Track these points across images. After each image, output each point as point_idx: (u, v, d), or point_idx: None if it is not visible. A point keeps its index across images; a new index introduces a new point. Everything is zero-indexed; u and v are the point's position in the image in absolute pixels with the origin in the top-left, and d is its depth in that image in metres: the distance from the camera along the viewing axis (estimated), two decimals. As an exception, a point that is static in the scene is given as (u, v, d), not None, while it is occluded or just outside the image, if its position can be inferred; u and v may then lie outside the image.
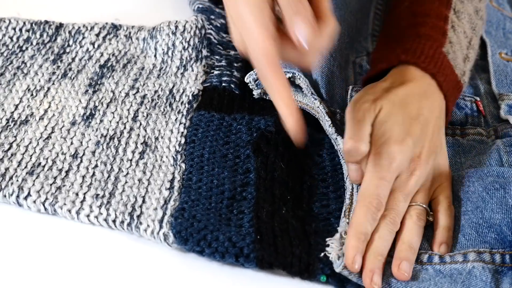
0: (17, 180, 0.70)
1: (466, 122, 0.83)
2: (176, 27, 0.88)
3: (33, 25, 0.90)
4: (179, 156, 0.74)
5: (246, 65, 0.86)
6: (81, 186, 0.70)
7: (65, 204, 0.68)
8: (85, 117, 0.78)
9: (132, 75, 0.85)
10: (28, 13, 0.92)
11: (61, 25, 0.91)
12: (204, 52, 0.88)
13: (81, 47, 0.88)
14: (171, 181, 0.71)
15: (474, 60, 0.85)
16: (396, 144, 0.69)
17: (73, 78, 0.83)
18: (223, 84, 0.84)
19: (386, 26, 0.89)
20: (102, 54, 0.88)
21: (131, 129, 0.77)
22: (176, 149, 0.75)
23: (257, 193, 0.69)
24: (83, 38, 0.89)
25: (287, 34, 0.62)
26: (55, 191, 0.69)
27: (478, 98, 0.86)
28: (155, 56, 0.88)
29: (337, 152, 0.74)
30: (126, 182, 0.71)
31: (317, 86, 0.82)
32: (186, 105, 0.81)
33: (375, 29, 0.96)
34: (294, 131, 0.60)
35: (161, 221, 0.67)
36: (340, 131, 0.74)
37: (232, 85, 0.84)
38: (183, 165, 0.73)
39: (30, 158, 0.73)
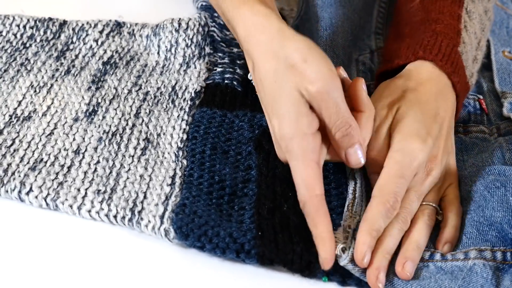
0: (19, 176, 0.70)
1: (469, 120, 0.83)
2: (179, 24, 0.88)
3: (37, 22, 0.90)
4: (180, 153, 0.74)
5: (249, 63, 0.86)
6: (82, 182, 0.70)
7: (66, 199, 0.69)
8: (87, 114, 0.78)
9: (135, 72, 0.85)
10: (32, 10, 0.93)
11: (64, 22, 0.91)
12: (207, 50, 0.88)
13: (84, 44, 0.89)
14: (173, 177, 0.71)
15: (481, 62, 0.84)
16: (418, 142, 0.68)
17: (76, 74, 0.84)
18: (226, 81, 0.84)
19: (396, 22, 0.89)
20: (105, 51, 0.88)
21: (133, 125, 0.78)
22: (178, 145, 0.75)
23: (259, 190, 0.69)
24: (87, 35, 0.89)
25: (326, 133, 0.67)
26: (57, 186, 0.70)
27: (481, 96, 0.85)
28: (158, 53, 0.88)
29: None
30: (127, 178, 0.71)
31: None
32: (189, 102, 0.81)
33: (378, 27, 0.96)
34: (325, 262, 0.63)
35: (162, 217, 0.67)
36: None
37: (235, 82, 0.84)
38: (184, 161, 0.73)
39: (33, 154, 0.73)
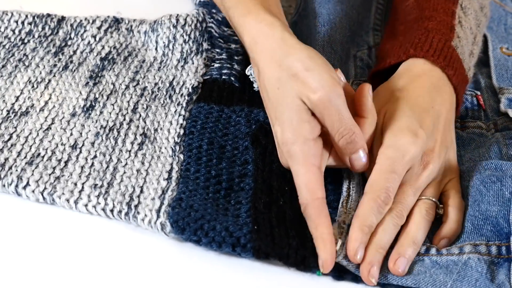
0: (17, 170, 0.70)
1: (466, 115, 0.83)
2: (177, 20, 0.88)
3: (35, 18, 0.90)
4: (177, 147, 0.75)
5: (247, 59, 0.86)
6: (79, 176, 0.71)
7: (63, 193, 0.69)
8: (85, 109, 0.78)
9: (132, 68, 0.85)
10: (30, 6, 0.93)
11: (63, 18, 0.91)
12: (205, 45, 0.88)
13: (82, 40, 0.89)
14: (169, 172, 0.72)
15: (477, 57, 0.85)
16: (409, 136, 0.68)
17: (74, 70, 0.84)
18: (223, 77, 0.84)
19: (392, 21, 0.89)
20: (103, 47, 0.88)
21: (131, 120, 0.78)
22: (175, 140, 0.76)
23: (255, 184, 0.70)
24: (85, 31, 0.90)
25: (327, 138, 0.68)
26: (54, 181, 0.70)
27: (478, 92, 0.86)
28: (156, 49, 0.88)
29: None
30: (124, 172, 0.71)
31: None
32: (186, 97, 0.81)
33: (376, 23, 0.96)
34: (325, 263, 0.63)
35: (158, 211, 0.67)
36: None
37: (232, 78, 0.84)
38: (181, 156, 0.74)
39: (30, 149, 0.73)
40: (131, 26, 0.91)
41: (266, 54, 0.70)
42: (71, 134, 0.75)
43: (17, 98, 0.79)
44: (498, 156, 0.75)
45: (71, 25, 0.90)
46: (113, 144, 0.75)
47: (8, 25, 0.89)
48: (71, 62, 0.85)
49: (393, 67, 0.78)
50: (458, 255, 0.64)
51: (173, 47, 0.87)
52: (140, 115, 0.78)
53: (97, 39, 0.89)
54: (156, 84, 0.83)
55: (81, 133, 0.75)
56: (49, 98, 0.79)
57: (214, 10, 0.93)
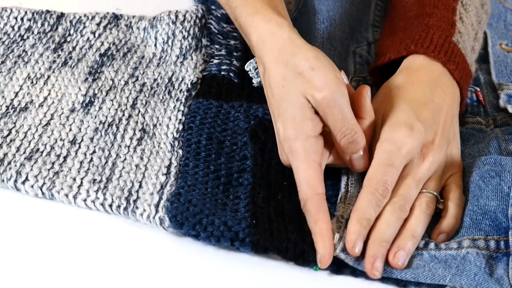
0: (16, 165, 0.70)
1: (465, 111, 0.83)
2: (177, 16, 0.88)
3: (35, 14, 0.90)
4: (176, 143, 0.75)
5: (246, 55, 0.86)
6: (78, 172, 0.71)
7: (62, 188, 0.69)
8: (84, 105, 0.79)
9: (132, 64, 0.85)
10: (29, 2, 0.93)
11: (62, 14, 0.91)
12: (204, 42, 0.88)
13: (81, 36, 0.89)
14: (168, 167, 0.72)
15: (478, 53, 0.85)
16: (405, 130, 0.68)
17: (73, 66, 0.84)
18: (222, 73, 0.84)
19: (392, 17, 0.89)
20: (102, 43, 0.88)
21: (130, 116, 0.78)
22: (173, 135, 0.76)
23: (254, 179, 0.70)
24: (84, 27, 0.90)
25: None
26: (53, 176, 0.70)
27: (478, 88, 0.86)
28: (155, 45, 0.88)
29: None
30: (123, 167, 0.71)
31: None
32: (185, 93, 0.81)
33: (375, 19, 0.96)
34: (323, 258, 0.63)
35: (157, 206, 0.67)
36: None
37: (231, 74, 0.84)
38: (180, 151, 0.74)
39: (29, 144, 0.73)
40: (130, 22, 0.91)
41: (273, 53, 0.71)
42: (70, 130, 0.75)
43: (17, 94, 0.79)
44: (497, 151, 0.75)
45: (70, 22, 0.90)
46: (112, 140, 0.75)
47: (7, 22, 0.89)
48: (70, 58, 0.85)
49: (393, 63, 0.78)
50: (456, 250, 0.64)
51: (172, 43, 0.87)
52: (139, 111, 0.78)
53: (96, 35, 0.89)
54: (155, 80, 0.83)
55: (80, 129, 0.76)
56: (48, 94, 0.80)
57: (213, 7, 0.93)
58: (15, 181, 0.69)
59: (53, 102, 0.79)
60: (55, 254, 0.65)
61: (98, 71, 0.83)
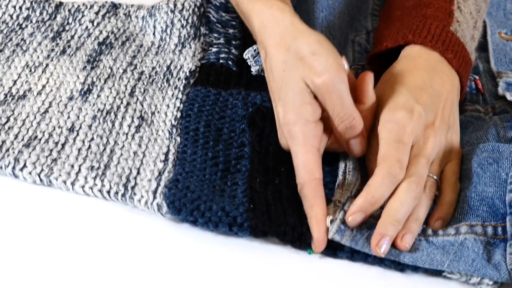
0: (14, 152, 0.70)
1: (464, 99, 0.83)
2: (175, 5, 0.88)
3: (33, 3, 0.90)
4: (174, 130, 0.75)
5: (244, 43, 0.86)
6: (76, 158, 0.71)
7: (60, 175, 0.69)
8: (82, 92, 0.79)
9: (130, 52, 0.85)
10: (28, -9, 0.93)
11: (60, 3, 0.91)
12: (203, 30, 0.88)
13: (80, 25, 0.89)
14: (166, 154, 0.72)
15: (477, 42, 0.84)
16: (404, 112, 0.67)
17: (72, 55, 0.84)
18: (221, 61, 0.84)
19: (389, 6, 0.89)
20: (101, 32, 0.88)
21: (128, 104, 0.78)
22: (172, 123, 0.76)
23: (251, 166, 0.70)
24: (83, 16, 0.90)
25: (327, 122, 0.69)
26: (51, 162, 0.70)
27: (477, 77, 0.86)
28: (153, 34, 0.88)
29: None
30: (121, 154, 0.71)
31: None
32: (183, 81, 0.81)
33: (375, 8, 0.96)
34: (318, 243, 0.64)
35: (155, 192, 0.67)
36: None
37: (230, 62, 0.84)
38: (178, 139, 0.74)
39: (27, 132, 0.73)
40: (129, 11, 0.91)
41: (275, 38, 0.71)
42: (69, 117, 0.75)
43: (15, 82, 0.79)
44: (495, 139, 0.75)
45: (69, 10, 0.90)
46: (110, 127, 0.75)
47: (6, 10, 0.89)
48: (69, 46, 0.85)
49: (391, 52, 0.78)
50: (454, 236, 0.64)
51: (170, 32, 0.87)
52: (138, 99, 0.78)
53: (95, 24, 0.89)
54: (153, 68, 0.83)
55: (78, 116, 0.76)
56: (47, 82, 0.80)
57: (212, -4, 0.93)
58: (13, 168, 0.69)
59: (51, 90, 0.79)
60: (53, 241, 0.65)
61: (97, 59, 0.83)
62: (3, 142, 0.72)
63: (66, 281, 0.61)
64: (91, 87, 0.79)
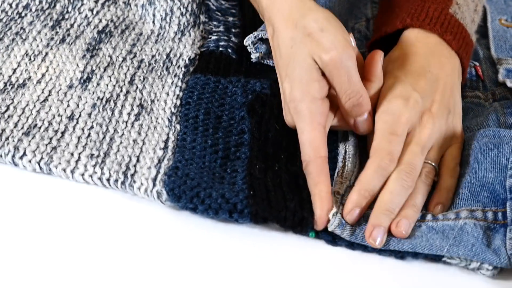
0: (13, 141, 0.70)
1: (464, 85, 0.83)
2: (175, -7, 0.88)
3: (32, -8, 0.90)
4: (174, 118, 0.75)
5: (244, 31, 0.86)
6: (76, 147, 0.71)
7: (60, 163, 0.69)
8: (82, 81, 0.78)
9: (129, 41, 0.85)
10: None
11: (60, -8, 0.91)
12: (202, 18, 0.88)
13: (79, 13, 0.89)
14: (166, 141, 0.72)
15: (477, 25, 0.84)
16: (401, 100, 0.68)
17: (71, 43, 0.84)
18: (220, 49, 0.84)
19: None
20: (100, 20, 0.88)
21: (128, 92, 0.78)
22: (171, 111, 0.76)
23: (251, 153, 0.70)
24: (82, 4, 0.89)
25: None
26: (51, 151, 0.70)
27: (477, 63, 0.86)
28: (153, 22, 0.88)
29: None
30: (121, 142, 0.71)
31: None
32: (183, 69, 0.81)
33: (374, -5, 0.95)
34: (320, 220, 0.64)
35: (154, 179, 0.67)
36: None
37: (229, 50, 0.84)
38: (178, 126, 0.74)
39: (27, 120, 0.73)
40: (128, -1, 0.91)
41: (283, 14, 0.71)
42: (68, 106, 0.75)
43: (14, 70, 0.79)
44: (496, 125, 0.75)
45: (68, -1, 0.90)
46: (110, 115, 0.75)
47: (5, -1, 0.89)
48: (68, 35, 0.85)
49: (391, 38, 0.78)
50: (454, 220, 0.64)
51: (170, 20, 0.87)
52: (137, 87, 0.78)
53: (94, 12, 0.89)
54: (153, 56, 0.83)
55: (78, 105, 0.76)
56: (46, 71, 0.79)
57: (211, -16, 0.93)
58: (13, 156, 0.69)
59: (51, 78, 0.78)
60: (53, 229, 0.65)
61: (96, 48, 0.83)
62: (3, 130, 0.72)
63: (66, 269, 0.61)
64: (90, 76, 0.79)
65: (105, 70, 0.80)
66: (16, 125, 0.72)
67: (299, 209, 0.64)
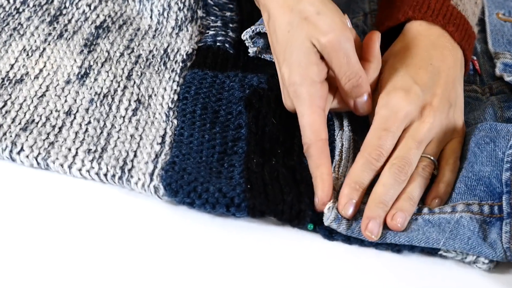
0: (11, 136, 0.71)
1: (462, 79, 0.83)
2: (172, -12, 0.88)
3: (30, -13, 0.90)
4: (171, 113, 0.75)
5: (242, 26, 0.86)
6: (73, 142, 0.71)
7: (57, 158, 0.69)
8: (79, 76, 0.79)
9: (127, 36, 0.85)
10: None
11: (57, -13, 0.91)
12: (200, 13, 0.88)
13: (77, 9, 0.89)
14: (163, 136, 0.72)
15: (478, 18, 0.84)
16: (402, 93, 0.68)
17: (69, 38, 0.84)
18: (218, 44, 0.84)
19: None
20: (98, 16, 0.88)
21: (125, 87, 0.78)
22: (168, 106, 0.76)
23: (248, 147, 0.70)
24: (79, 0, 0.89)
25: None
26: (48, 146, 0.70)
27: (474, 57, 0.86)
28: (150, 17, 0.88)
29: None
30: (118, 137, 0.72)
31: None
32: (180, 64, 0.81)
33: (372, -10, 0.95)
34: (321, 200, 0.65)
35: (151, 174, 0.67)
36: None
37: (227, 45, 0.84)
38: (175, 121, 0.74)
39: (24, 115, 0.73)
40: (126, -6, 0.91)
41: (278, 0, 0.71)
42: (66, 101, 0.75)
43: (12, 66, 0.79)
44: (493, 119, 0.76)
45: (66, -6, 0.90)
46: (107, 110, 0.75)
47: (2, -5, 0.89)
48: (66, 30, 0.85)
49: (394, 32, 0.78)
50: (450, 214, 0.64)
51: (167, 15, 0.87)
52: (135, 82, 0.79)
53: (92, 7, 0.89)
54: (150, 51, 0.83)
55: (75, 100, 0.76)
56: (44, 66, 0.80)
57: (209, -21, 0.93)
58: (11, 151, 0.69)
59: (48, 74, 0.79)
60: (51, 224, 0.65)
61: (94, 43, 0.83)
62: (1, 126, 0.72)
63: (64, 265, 0.61)
64: (88, 71, 0.79)
65: (102, 65, 0.80)
66: (13, 120, 0.73)
67: (296, 202, 0.64)
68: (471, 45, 0.77)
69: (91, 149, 0.70)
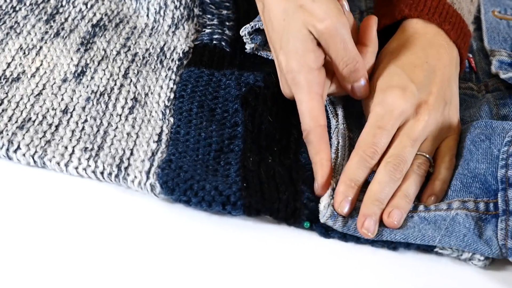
0: (7, 134, 0.71)
1: (458, 77, 0.83)
2: (168, -14, 0.88)
3: (27, -14, 0.90)
4: (168, 111, 0.75)
5: (238, 24, 0.86)
6: (70, 140, 0.71)
7: (54, 157, 0.69)
8: (76, 74, 0.79)
9: (124, 34, 0.85)
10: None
11: (54, -14, 0.91)
12: (196, 11, 0.88)
13: (74, 7, 0.89)
14: (159, 135, 0.72)
15: (473, 16, 0.84)
16: (397, 91, 0.68)
17: (66, 37, 0.84)
18: (214, 42, 0.84)
19: None
20: (94, 14, 0.88)
21: (122, 85, 0.78)
22: (165, 104, 0.76)
23: (244, 145, 0.70)
24: (76, -2, 0.90)
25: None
26: (45, 144, 0.70)
27: (470, 55, 0.86)
28: (147, 15, 0.88)
29: (327, 107, 0.74)
30: (114, 136, 0.72)
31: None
32: (176, 62, 0.81)
33: (368, -12, 0.96)
34: (320, 186, 0.66)
35: (148, 172, 0.67)
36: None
37: (223, 43, 0.84)
38: (171, 119, 0.74)
39: (21, 114, 0.73)
40: (123, -7, 0.91)
41: None
42: (62, 99, 0.76)
43: (9, 64, 0.79)
44: (488, 116, 0.76)
45: (63, -7, 0.90)
46: (104, 109, 0.75)
47: (-1, -6, 0.89)
48: (63, 29, 0.85)
49: (390, 31, 0.78)
50: (446, 211, 0.64)
51: (164, 13, 0.87)
52: (131, 80, 0.79)
53: (89, 6, 0.89)
54: (147, 50, 0.83)
55: (72, 98, 0.76)
56: (41, 64, 0.80)
57: (205, -23, 0.93)
58: (7, 149, 0.70)
59: (45, 72, 0.79)
60: (47, 222, 0.65)
61: (90, 41, 0.83)
62: (-3, 124, 0.72)
63: (60, 263, 0.62)
64: (84, 69, 0.79)
65: (99, 63, 0.80)
66: (10, 119, 0.73)
67: (292, 200, 0.65)
68: (467, 43, 0.78)
69: (87, 147, 0.70)
